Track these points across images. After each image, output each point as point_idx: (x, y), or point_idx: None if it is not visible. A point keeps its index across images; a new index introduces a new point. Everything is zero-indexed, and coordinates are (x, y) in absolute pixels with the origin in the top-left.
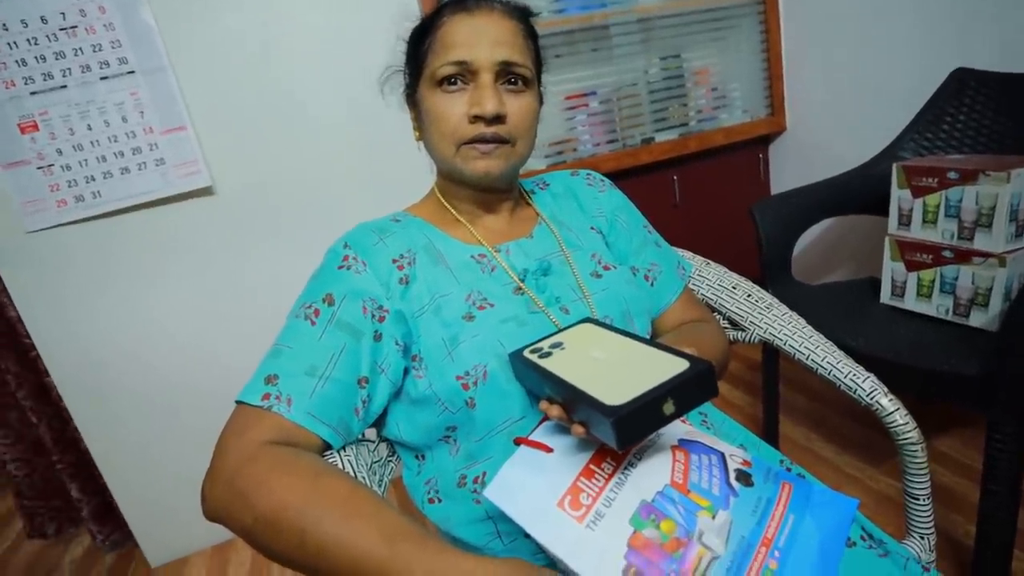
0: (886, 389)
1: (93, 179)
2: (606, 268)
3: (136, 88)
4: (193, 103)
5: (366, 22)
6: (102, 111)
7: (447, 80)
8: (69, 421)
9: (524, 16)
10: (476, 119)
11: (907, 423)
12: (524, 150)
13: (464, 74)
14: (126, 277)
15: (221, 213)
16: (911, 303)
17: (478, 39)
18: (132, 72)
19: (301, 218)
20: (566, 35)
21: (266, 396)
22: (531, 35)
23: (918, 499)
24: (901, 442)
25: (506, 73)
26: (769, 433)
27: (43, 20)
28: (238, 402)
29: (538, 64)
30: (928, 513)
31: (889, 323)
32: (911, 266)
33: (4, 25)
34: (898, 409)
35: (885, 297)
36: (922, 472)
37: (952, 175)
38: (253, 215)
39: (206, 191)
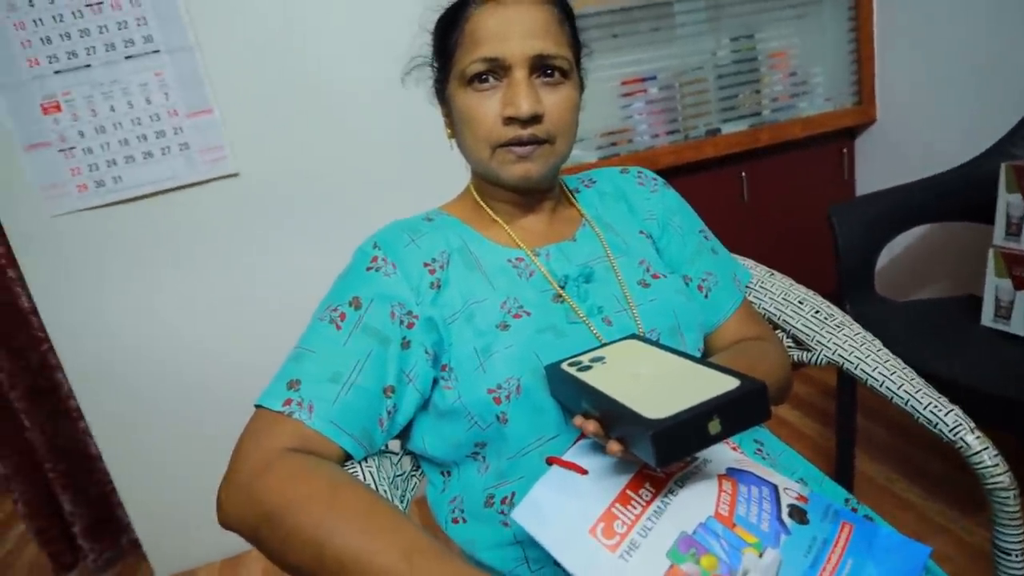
0: (972, 424)
1: (115, 163)
2: (655, 276)
3: (161, 68)
4: (219, 85)
5: None
6: (126, 92)
7: (478, 78)
8: (67, 424)
9: None
10: (511, 120)
11: (996, 464)
12: (565, 148)
13: (496, 70)
14: (146, 266)
15: (246, 201)
16: (1019, 327)
17: (509, 31)
18: (157, 51)
19: (329, 208)
20: (623, 12)
21: (287, 401)
22: (567, 17)
23: (1010, 555)
24: (989, 486)
25: (541, 66)
26: (843, 470)
27: None
28: (257, 406)
29: (576, 49)
30: (1022, 572)
31: (990, 349)
32: (1020, 283)
33: (31, 0)
34: (986, 448)
35: (987, 319)
36: (1015, 522)
37: None
38: (279, 204)
39: (231, 177)
